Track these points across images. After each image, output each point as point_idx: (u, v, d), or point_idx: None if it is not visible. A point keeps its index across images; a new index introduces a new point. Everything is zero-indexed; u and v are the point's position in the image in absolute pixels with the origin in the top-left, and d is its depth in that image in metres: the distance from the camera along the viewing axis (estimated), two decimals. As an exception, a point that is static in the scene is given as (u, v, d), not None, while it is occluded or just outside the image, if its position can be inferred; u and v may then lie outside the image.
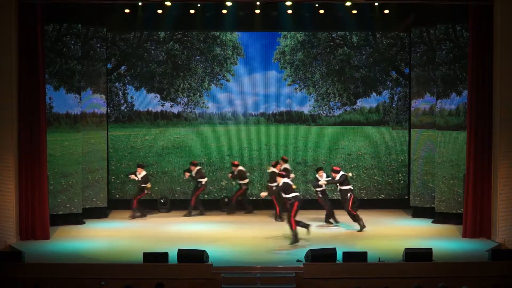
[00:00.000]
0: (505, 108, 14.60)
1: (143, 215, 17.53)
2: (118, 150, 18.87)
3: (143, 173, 17.57)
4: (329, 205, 16.66)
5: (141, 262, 12.52)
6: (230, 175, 18.14)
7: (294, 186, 14.65)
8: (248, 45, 18.86)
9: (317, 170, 16.70)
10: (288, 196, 14.48)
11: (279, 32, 18.75)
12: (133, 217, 17.38)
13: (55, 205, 16.43)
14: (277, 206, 16.86)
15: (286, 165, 17.23)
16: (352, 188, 16.29)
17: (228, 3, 16.28)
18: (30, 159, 14.91)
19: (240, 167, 17.95)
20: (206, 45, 18.77)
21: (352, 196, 16.10)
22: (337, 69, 18.88)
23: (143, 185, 17.46)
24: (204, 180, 17.77)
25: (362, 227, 15.80)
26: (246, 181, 17.99)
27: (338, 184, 16.23)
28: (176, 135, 19.11)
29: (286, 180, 14.68)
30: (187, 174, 17.79)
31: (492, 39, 14.81)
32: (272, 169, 16.93)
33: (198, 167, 17.83)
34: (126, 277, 12.06)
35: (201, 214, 17.82)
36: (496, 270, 12.42)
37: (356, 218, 15.87)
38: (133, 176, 17.55)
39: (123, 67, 18.73)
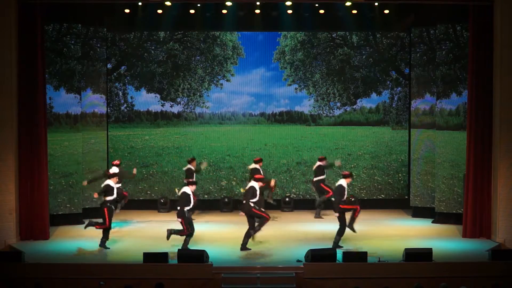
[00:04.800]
0: (505, 108, 14.60)
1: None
2: (118, 150, 18.87)
3: None
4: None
5: (141, 262, 12.52)
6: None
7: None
8: (248, 45, 18.86)
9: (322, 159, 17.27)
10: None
11: (279, 32, 18.75)
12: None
13: (55, 205, 16.44)
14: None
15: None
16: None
17: (228, 3, 16.29)
18: (30, 159, 14.92)
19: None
20: (206, 45, 18.77)
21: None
22: (337, 69, 18.88)
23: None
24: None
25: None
26: None
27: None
28: (176, 135, 19.11)
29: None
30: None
31: (492, 39, 14.81)
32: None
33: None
34: (126, 277, 12.06)
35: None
36: (496, 270, 12.43)
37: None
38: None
39: (123, 67, 18.74)
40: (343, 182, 14.03)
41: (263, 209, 14.42)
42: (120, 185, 15.83)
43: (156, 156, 19.02)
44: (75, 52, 16.90)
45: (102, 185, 14.55)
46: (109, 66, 18.46)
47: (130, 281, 11.74)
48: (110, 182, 14.35)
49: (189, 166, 17.13)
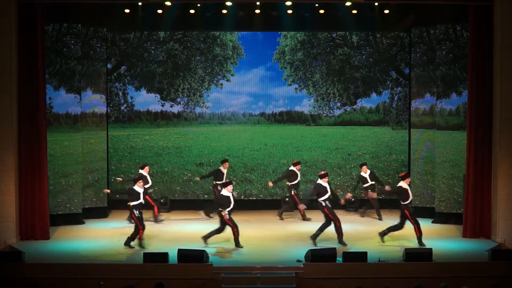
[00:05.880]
0: (505, 108, 14.60)
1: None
2: (118, 150, 18.87)
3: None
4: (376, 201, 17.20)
5: (141, 262, 12.53)
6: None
7: None
8: (248, 45, 18.86)
9: (361, 166, 17.37)
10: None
11: (279, 32, 18.75)
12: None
13: (55, 205, 16.44)
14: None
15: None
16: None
17: (228, 3, 16.29)
18: (30, 159, 14.92)
19: None
20: (206, 45, 18.77)
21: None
22: (337, 69, 18.88)
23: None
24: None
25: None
26: None
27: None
28: (176, 135, 19.11)
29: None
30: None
31: (492, 39, 14.81)
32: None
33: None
34: (126, 277, 12.06)
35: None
36: (496, 270, 12.43)
37: None
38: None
39: (123, 67, 18.74)
40: (403, 184, 14.49)
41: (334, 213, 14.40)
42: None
43: (156, 156, 19.02)
44: (75, 52, 16.91)
45: (128, 188, 14.68)
46: (109, 66, 18.46)
47: (130, 281, 11.75)
48: (135, 186, 14.26)
49: (220, 167, 17.32)
